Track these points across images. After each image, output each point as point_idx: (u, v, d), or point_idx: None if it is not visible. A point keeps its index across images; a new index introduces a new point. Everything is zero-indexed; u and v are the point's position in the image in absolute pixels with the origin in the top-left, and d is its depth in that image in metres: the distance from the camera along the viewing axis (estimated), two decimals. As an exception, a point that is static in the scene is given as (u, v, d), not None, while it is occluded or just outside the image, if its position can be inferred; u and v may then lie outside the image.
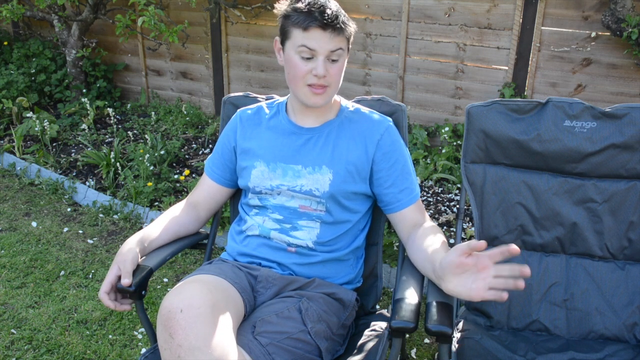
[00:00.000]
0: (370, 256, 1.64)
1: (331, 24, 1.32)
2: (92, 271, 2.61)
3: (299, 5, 1.35)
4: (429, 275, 1.29)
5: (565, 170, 1.57)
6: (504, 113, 1.57)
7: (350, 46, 1.44)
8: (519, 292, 1.59)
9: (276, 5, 1.42)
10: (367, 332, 1.48)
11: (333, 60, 1.37)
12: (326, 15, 1.32)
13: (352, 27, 1.40)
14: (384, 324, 1.50)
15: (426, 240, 1.35)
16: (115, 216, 3.13)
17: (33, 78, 4.63)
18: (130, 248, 1.37)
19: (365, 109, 1.54)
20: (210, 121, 4.40)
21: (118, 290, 1.33)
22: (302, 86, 1.39)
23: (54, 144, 4.01)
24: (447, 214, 3.02)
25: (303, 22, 1.33)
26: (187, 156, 3.78)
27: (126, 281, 1.31)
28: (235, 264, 1.47)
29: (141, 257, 1.40)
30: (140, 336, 2.17)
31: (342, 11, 1.38)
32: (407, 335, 2.08)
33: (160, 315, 1.14)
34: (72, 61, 4.50)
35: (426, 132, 3.56)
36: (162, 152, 3.57)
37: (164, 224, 1.52)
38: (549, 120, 1.54)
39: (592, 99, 3.14)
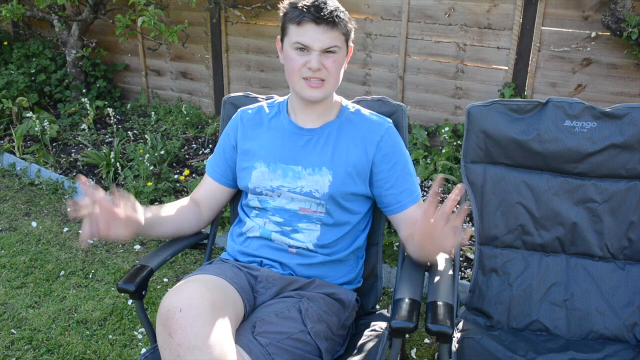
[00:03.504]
0: (370, 256, 1.64)
1: (324, 19, 1.32)
2: (92, 271, 2.61)
3: (295, 0, 1.36)
4: (420, 257, 1.39)
5: (565, 170, 1.57)
6: (504, 113, 1.57)
7: (350, 44, 1.43)
8: (519, 292, 1.59)
9: (279, 5, 1.42)
10: (367, 332, 1.48)
11: (328, 55, 1.36)
12: (319, 9, 1.32)
13: (349, 24, 1.39)
14: (384, 324, 1.50)
15: None
16: (115, 216, 3.13)
17: (33, 78, 4.63)
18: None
19: (365, 111, 1.54)
20: (210, 121, 4.40)
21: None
22: (299, 80, 1.39)
23: (54, 144, 4.01)
24: (447, 214, 3.02)
25: (297, 17, 1.34)
26: (187, 156, 3.78)
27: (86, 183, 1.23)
28: (235, 264, 1.47)
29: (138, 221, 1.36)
30: (140, 336, 2.17)
31: (341, 8, 1.38)
32: (407, 335, 2.08)
33: (160, 315, 1.14)
34: (72, 61, 4.50)
35: (426, 132, 3.56)
36: (162, 152, 3.57)
37: (171, 211, 1.52)
38: (549, 120, 1.54)
39: (592, 99, 3.14)
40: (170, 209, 1.53)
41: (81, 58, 4.53)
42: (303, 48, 1.35)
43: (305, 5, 1.33)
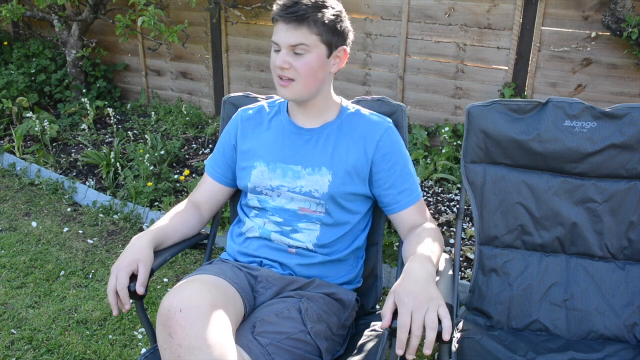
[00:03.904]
0: (370, 256, 1.64)
1: (290, 17, 1.33)
2: (92, 271, 2.61)
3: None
4: None
5: (565, 170, 1.57)
6: (504, 113, 1.57)
7: (344, 46, 1.41)
8: (519, 292, 1.59)
9: None
10: (367, 332, 1.47)
11: (298, 54, 1.36)
12: (285, 7, 1.33)
13: (334, 25, 1.36)
14: (384, 324, 1.50)
15: (414, 245, 1.34)
16: (115, 216, 3.13)
17: (33, 78, 4.63)
18: (142, 248, 1.35)
19: (365, 111, 1.54)
20: (210, 121, 4.40)
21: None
22: (275, 77, 1.41)
23: (54, 144, 4.01)
24: (447, 214, 3.02)
25: (272, 16, 1.38)
26: (187, 156, 3.78)
27: (141, 290, 1.29)
28: (235, 264, 1.47)
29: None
30: (140, 336, 2.17)
31: (320, 6, 1.34)
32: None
33: (160, 315, 1.14)
34: (72, 61, 4.50)
35: (426, 132, 3.56)
36: (162, 152, 3.57)
37: (175, 225, 1.50)
38: (549, 120, 1.54)
39: (592, 99, 3.14)
40: (174, 223, 1.50)
41: (81, 58, 4.53)
42: (276, 47, 1.37)
43: (277, 3, 1.36)
